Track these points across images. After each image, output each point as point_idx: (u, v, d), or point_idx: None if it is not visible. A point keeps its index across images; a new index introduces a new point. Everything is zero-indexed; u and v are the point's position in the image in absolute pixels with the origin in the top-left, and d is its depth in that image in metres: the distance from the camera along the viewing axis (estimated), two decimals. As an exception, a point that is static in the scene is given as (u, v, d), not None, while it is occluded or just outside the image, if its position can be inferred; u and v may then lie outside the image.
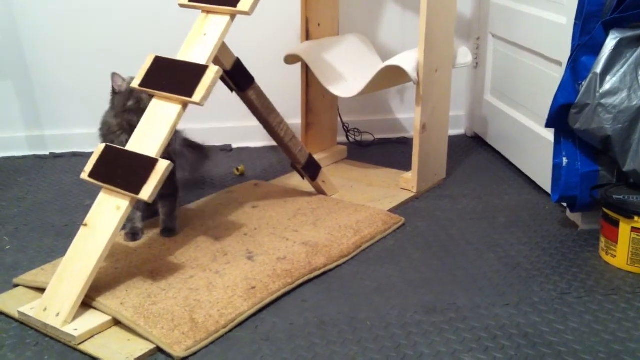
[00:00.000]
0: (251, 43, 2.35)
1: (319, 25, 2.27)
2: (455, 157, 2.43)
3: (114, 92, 1.75)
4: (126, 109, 1.72)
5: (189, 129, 2.05)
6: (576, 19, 1.76)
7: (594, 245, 1.78)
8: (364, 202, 2.03)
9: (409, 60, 2.01)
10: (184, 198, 2.02)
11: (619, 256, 1.67)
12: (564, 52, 1.87)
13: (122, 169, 1.48)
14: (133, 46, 2.37)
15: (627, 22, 1.69)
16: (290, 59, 2.19)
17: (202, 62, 1.54)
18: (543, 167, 2.07)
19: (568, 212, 1.94)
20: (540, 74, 2.14)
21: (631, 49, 1.70)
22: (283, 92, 2.28)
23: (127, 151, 1.51)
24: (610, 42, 1.69)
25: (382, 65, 2.04)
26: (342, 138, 2.61)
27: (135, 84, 1.60)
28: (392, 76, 2.08)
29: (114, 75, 1.72)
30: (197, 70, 1.52)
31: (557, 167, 1.82)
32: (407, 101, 2.70)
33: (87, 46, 2.43)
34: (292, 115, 2.20)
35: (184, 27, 1.67)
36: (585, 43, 1.72)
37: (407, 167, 2.16)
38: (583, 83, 1.72)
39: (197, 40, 1.58)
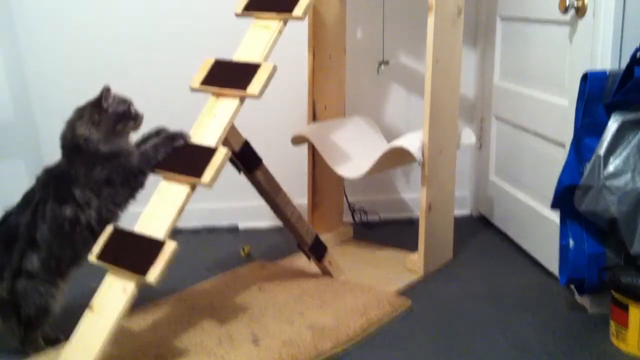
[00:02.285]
0: (259, 124, 2.39)
1: (325, 107, 2.31)
2: (462, 237, 2.42)
3: (100, 109, 1.61)
4: (117, 131, 1.62)
5: (195, 209, 2.06)
6: (578, 101, 1.79)
7: (604, 329, 1.74)
8: (371, 284, 2.02)
9: (413, 141, 2.04)
10: (191, 279, 2.01)
11: (629, 341, 1.63)
12: (567, 134, 1.90)
13: (129, 251, 1.48)
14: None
15: (628, 104, 1.71)
16: (297, 140, 2.22)
17: (212, 144, 1.57)
18: (550, 248, 2.06)
19: (577, 295, 1.92)
20: (544, 155, 2.16)
21: (633, 131, 1.72)
22: (290, 172, 2.30)
23: (134, 233, 1.51)
24: (613, 125, 1.71)
25: (387, 146, 2.07)
26: (348, 218, 2.61)
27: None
28: (397, 157, 2.10)
29: (107, 90, 1.62)
30: (207, 152, 1.54)
31: (564, 248, 1.82)
32: (412, 181, 2.72)
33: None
34: (298, 195, 2.22)
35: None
36: (587, 125, 1.75)
37: (413, 247, 2.16)
38: (587, 165, 1.73)
39: (208, 123, 1.61)
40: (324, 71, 2.27)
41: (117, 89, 1.63)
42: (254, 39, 1.70)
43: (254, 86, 1.59)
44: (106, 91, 1.62)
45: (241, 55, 1.70)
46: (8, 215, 1.64)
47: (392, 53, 2.33)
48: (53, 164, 1.65)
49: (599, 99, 1.74)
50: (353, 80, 2.47)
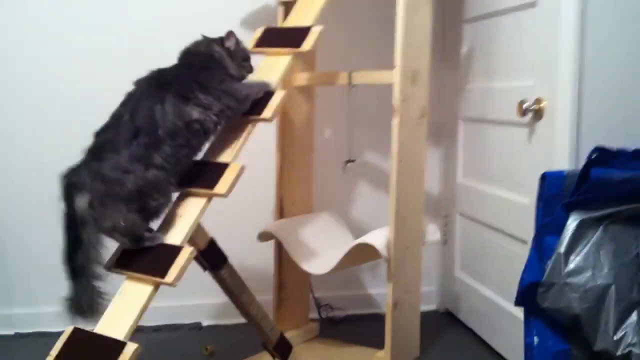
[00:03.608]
0: (225, 221, 2.39)
1: (293, 203, 2.34)
2: (429, 333, 2.41)
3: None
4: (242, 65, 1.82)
5: (158, 307, 2.02)
6: (538, 200, 1.84)
7: None
8: (337, 383, 1.98)
9: (380, 238, 2.06)
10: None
11: None
12: (528, 231, 1.93)
13: (89, 354, 1.44)
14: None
15: (586, 204, 1.76)
16: (264, 237, 2.22)
17: (177, 242, 1.57)
18: (516, 345, 2.05)
19: (544, 393, 1.90)
20: (507, 251, 2.19)
21: (592, 230, 1.76)
22: (256, 268, 2.29)
23: (95, 334, 1.48)
24: (572, 224, 1.75)
25: (354, 242, 2.08)
26: (314, 314, 2.59)
27: (108, 265, 1.61)
28: (363, 253, 2.11)
29: (230, 32, 1.80)
30: (172, 251, 1.53)
31: (528, 346, 1.81)
32: (379, 276, 2.72)
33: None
34: (264, 291, 2.20)
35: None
36: (548, 224, 1.79)
37: (380, 344, 2.14)
38: (549, 262, 1.76)
39: (174, 222, 1.62)
40: (291, 168, 2.31)
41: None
42: (224, 139, 1.74)
43: (222, 186, 1.61)
44: (229, 33, 1.81)
45: (210, 154, 1.73)
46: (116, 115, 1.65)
47: (358, 152, 2.39)
48: (156, 72, 1.72)
49: (558, 199, 1.79)
50: (320, 178, 2.51)
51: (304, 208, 2.39)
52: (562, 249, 1.74)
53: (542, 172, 1.82)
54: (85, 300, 1.55)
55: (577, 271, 1.72)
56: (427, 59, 2.12)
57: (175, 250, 1.53)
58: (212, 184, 1.63)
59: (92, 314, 1.55)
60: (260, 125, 1.77)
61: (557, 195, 1.80)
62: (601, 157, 1.76)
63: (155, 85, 1.66)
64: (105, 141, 1.59)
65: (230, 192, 1.63)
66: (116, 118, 1.63)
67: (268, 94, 1.77)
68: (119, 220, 1.55)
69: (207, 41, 1.82)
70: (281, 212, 2.30)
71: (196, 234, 1.66)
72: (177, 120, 1.62)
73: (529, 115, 1.99)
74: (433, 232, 2.28)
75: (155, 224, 1.66)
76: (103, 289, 1.57)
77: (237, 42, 1.83)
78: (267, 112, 1.72)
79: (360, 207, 2.72)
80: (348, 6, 2.53)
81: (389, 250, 2.04)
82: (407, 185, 2.08)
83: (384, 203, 2.64)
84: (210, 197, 1.64)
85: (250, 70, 1.85)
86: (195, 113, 1.65)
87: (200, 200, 1.64)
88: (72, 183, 1.55)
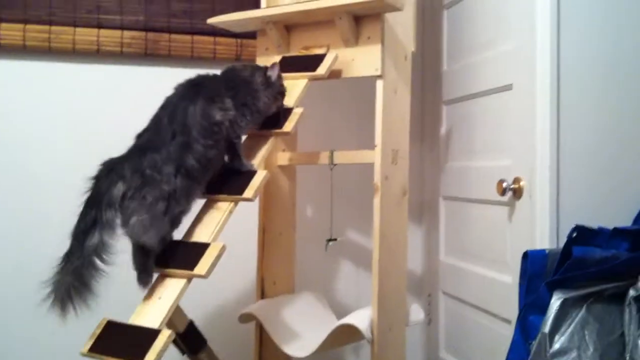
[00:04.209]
0: (205, 302, 2.36)
1: (274, 283, 2.31)
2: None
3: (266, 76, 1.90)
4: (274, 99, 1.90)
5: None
6: (520, 279, 1.83)
7: None
8: None
9: (362, 318, 2.03)
10: None
11: None
12: (512, 311, 1.92)
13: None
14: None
15: (569, 282, 1.76)
16: (245, 318, 2.18)
17: (155, 325, 1.53)
18: None
19: None
20: (491, 331, 2.17)
21: (576, 309, 1.75)
22: (236, 350, 2.24)
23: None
24: (555, 303, 1.74)
25: (336, 323, 2.05)
26: (297, 398, 2.51)
27: (85, 349, 1.56)
28: (346, 334, 2.07)
29: (275, 64, 1.87)
30: (149, 335, 1.50)
31: None
32: (362, 358, 2.67)
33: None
34: (245, 375, 2.15)
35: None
36: (531, 303, 1.78)
37: None
38: (533, 343, 1.74)
39: (152, 304, 1.59)
40: (273, 248, 2.30)
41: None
42: (204, 219, 1.74)
43: (202, 266, 1.59)
44: (274, 64, 1.88)
45: (191, 234, 1.72)
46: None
47: (340, 231, 2.39)
48: (194, 78, 1.82)
49: (541, 277, 1.79)
50: (302, 257, 2.49)
51: (285, 288, 2.36)
52: (546, 328, 1.72)
53: (523, 250, 1.83)
54: (79, 280, 1.55)
55: (562, 351, 1.70)
56: (407, 139, 2.16)
57: (153, 334, 1.50)
58: (192, 264, 1.61)
59: (80, 294, 1.56)
60: (241, 204, 1.77)
61: (539, 274, 1.80)
62: (581, 235, 1.77)
63: (191, 88, 1.77)
64: (148, 140, 1.68)
65: (211, 272, 1.61)
66: (156, 121, 1.72)
67: (249, 173, 1.78)
68: (142, 213, 1.59)
69: (252, 68, 1.91)
70: (262, 293, 2.27)
71: (175, 316, 1.63)
72: (203, 120, 1.71)
73: (509, 194, 2.01)
74: (417, 312, 2.25)
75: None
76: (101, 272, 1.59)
77: (279, 76, 1.90)
78: (249, 192, 1.73)
79: (342, 286, 2.70)
80: (329, 88, 2.59)
81: (372, 332, 2.01)
82: (389, 263, 2.07)
83: (366, 282, 2.62)
84: (190, 278, 1.62)
85: (281, 106, 1.91)
86: (218, 115, 1.74)
87: (179, 282, 1.61)
88: (113, 170, 1.61)
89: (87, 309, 1.57)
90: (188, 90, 1.76)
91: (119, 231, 1.60)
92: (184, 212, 1.71)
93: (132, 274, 1.68)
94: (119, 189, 1.58)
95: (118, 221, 1.59)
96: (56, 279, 1.56)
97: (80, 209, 1.60)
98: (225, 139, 1.78)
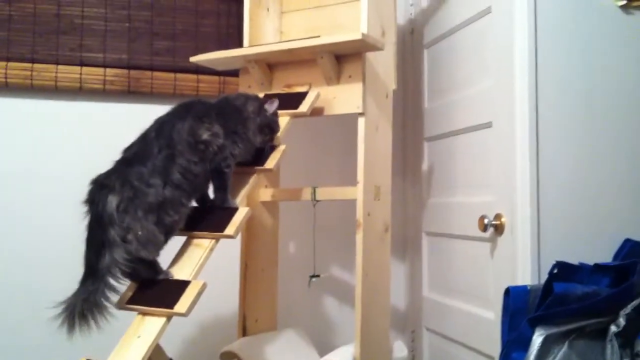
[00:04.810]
0: (186, 340, 2.33)
1: (256, 320, 2.29)
2: None
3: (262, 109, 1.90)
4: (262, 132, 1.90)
5: None
6: (503, 315, 1.83)
7: None
8: None
9: (345, 355, 2.01)
10: None
11: None
12: (495, 347, 1.91)
13: None
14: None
15: (551, 318, 1.76)
16: (226, 356, 2.15)
17: (134, 365, 1.51)
18: None
19: None
20: (475, 368, 2.16)
21: (558, 345, 1.75)
22: (218, 390, 2.20)
23: None
24: (538, 339, 1.74)
25: (319, 361, 2.04)
26: None
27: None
28: (329, 372, 2.06)
29: (274, 101, 1.90)
30: (128, 374, 1.48)
31: None
32: (346, 396, 2.63)
33: None
34: (226, 416, 2.11)
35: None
36: (514, 339, 1.78)
37: None
38: (517, 380, 1.74)
39: (131, 343, 1.56)
40: (255, 284, 2.28)
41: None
42: (185, 256, 1.72)
43: (182, 304, 1.57)
44: (274, 100, 1.91)
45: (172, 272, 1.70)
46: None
47: (323, 267, 2.38)
48: (187, 101, 1.86)
49: (523, 313, 1.79)
50: (285, 293, 2.47)
51: (267, 325, 2.34)
52: (529, 365, 1.72)
53: (505, 286, 1.83)
54: (92, 301, 1.55)
55: (545, 388, 1.70)
56: (389, 175, 2.17)
57: (132, 373, 1.47)
58: (172, 302, 1.59)
59: (94, 315, 1.56)
60: (223, 240, 1.76)
61: (521, 310, 1.80)
62: (562, 271, 1.78)
63: (182, 108, 1.80)
64: (134, 153, 1.69)
65: (191, 311, 1.59)
66: (144, 135, 1.74)
67: (231, 210, 1.78)
68: (137, 230, 1.59)
69: (246, 97, 1.93)
70: (244, 330, 2.25)
71: (155, 355, 1.60)
72: (189, 136, 1.73)
73: (490, 231, 2.03)
74: (400, 349, 2.24)
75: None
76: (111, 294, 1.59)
77: (275, 113, 1.93)
78: (231, 229, 1.72)
79: (325, 323, 2.68)
80: (311, 125, 2.60)
81: (356, 369, 1.99)
82: (372, 300, 2.06)
83: (349, 318, 2.61)
84: (170, 317, 1.60)
85: (271, 140, 1.93)
86: (205, 135, 1.75)
87: (159, 320, 1.59)
88: (104, 184, 1.62)
89: (104, 326, 1.57)
90: (179, 110, 1.80)
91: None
92: (177, 222, 1.71)
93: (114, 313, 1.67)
94: (112, 202, 1.59)
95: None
96: (70, 302, 1.56)
97: (85, 234, 1.61)
98: (214, 165, 1.79)
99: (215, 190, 1.83)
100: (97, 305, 1.55)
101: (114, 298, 1.60)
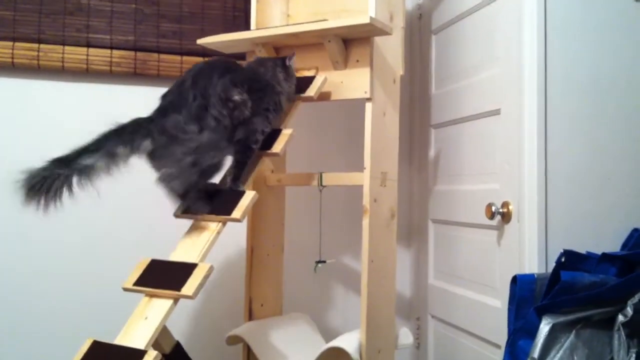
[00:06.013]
0: (193, 323, 2.34)
1: (262, 305, 2.29)
2: None
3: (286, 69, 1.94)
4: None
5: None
6: (509, 303, 1.83)
7: None
8: None
9: (351, 341, 2.01)
10: None
11: None
12: (501, 335, 1.91)
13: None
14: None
15: (558, 307, 1.76)
16: (232, 340, 2.16)
17: (141, 346, 1.51)
18: None
19: None
20: (480, 356, 2.16)
21: (565, 334, 1.75)
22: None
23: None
24: (544, 328, 1.74)
25: (325, 346, 2.03)
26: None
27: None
28: (335, 357, 2.05)
29: (293, 55, 1.95)
30: (135, 356, 1.47)
31: None
32: (350, 382, 2.64)
33: None
34: (231, 399, 2.12)
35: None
36: (520, 327, 1.77)
37: None
38: (523, 367, 1.73)
39: (138, 324, 1.56)
40: (261, 269, 2.28)
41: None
42: (192, 239, 1.72)
43: (189, 287, 1.57)
44: (293, 55, 1.96)
45: (178, 255, 1.70)
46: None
47: (329, 252, 2.37)
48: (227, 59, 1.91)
49: (530, 302, 1.79)
50: (290, 279, 2.47)
51: (273, 310, 2.34)
52: (535, 353, 1.72)
53: (512, 274, 1.82)
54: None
55: (551, 377, 1.70)
56: (396, 161, 2.16)
57: (139, 355, 1.47)
58: (179, 284, 1.59)
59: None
60: (229, 225, 1.76)
61: (528, 298, 1.80)
62: (570, 260, 1.78)
63: (221, 66, 1.84)
64: (170, 102, 1.75)
65: (198, 293, 1.59)
66: (180, 82, 1.79)
67: (238, 193, 1.77)
68: (172, 169, 1.68)
69: (273, 66, 1.94)
70: (250, 314, 2.25)
71: (161, 337, 1.60)
72: (222, 92, 1.78)
73: (497, 218, 2.02)
74: (406, 336, 2.23)
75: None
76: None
77: (290, 58, 1.97)
78: (237, 213, 1.72)
79: (331, 308, 2.68)
80: (318, 110, 2.59)
81: (361, 355, 1.99)
82: (378, 286, 2.06)
83: (355, 305, 2.61)
84: (177, 299, 1.60)
85: (293, 90, 1.99)
86: (236, 96, 1.80)
87: (166, 302, 1.59)
88: (142, 127, 1.69)
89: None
90: (218, 66, 1.84)
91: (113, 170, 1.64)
92: (215, 165, 1.79)
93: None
94: (146, 146, 1.67)
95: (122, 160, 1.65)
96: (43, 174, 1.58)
97: (97, 135, 1.66)
98: (242, 135, 1.82)
99: (234, 165, 1.85)
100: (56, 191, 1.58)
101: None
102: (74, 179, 1.59)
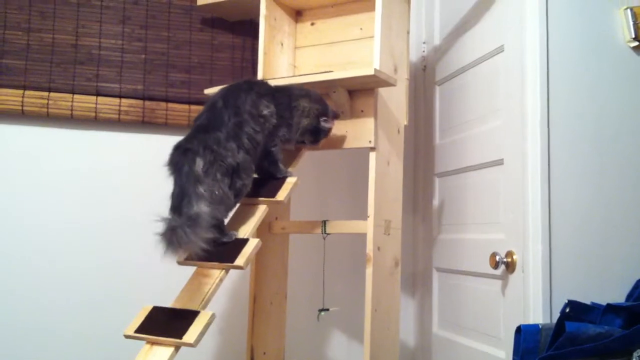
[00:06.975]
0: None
1: (264, 353, 2.27)
2: None
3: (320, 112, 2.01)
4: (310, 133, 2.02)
5: None
6: (514, 354, 1.81)
7: None
8: None
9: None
10: None
11: None
12: (506, 387, 1.89)
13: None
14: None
15: (563, 358, 1.74)
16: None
17: (141, 395, 1.50)
18: None
19: None
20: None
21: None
22: None
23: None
24: (549, 379, 1.72)
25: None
26: None
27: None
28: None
29: (336, 113, 2.02)
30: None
31: None
32: None
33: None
34: None
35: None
36: (525, 379, 1.75)
37: None
38: (528, 420, 1.71)
39: (138, 371, 1.56)
40: (263, 317, 2.27)
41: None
42: (195, 286, 1.72)
43: (190, 334, 1.57)
44: (336, 115, 2.03)
45: (180, 301, 1.70)
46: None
47: (332, 301, 2.37)
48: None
49: (535, 353, 1.77)
50: (293, 326, 2.46)
51: (275, 358, 2.31)
52: (539, 406, 1.70)
53: (517, 324, 1.81)
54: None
55: None
56: (400, 210, 2.17)
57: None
58: (180, 332, 1.58)
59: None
60: (232, 272, 1.76)
61: (533, 349, 1.78)
62: (574, 310, 1.76)
63: (245, 83, 1.93)
64: (208, 121, 1.82)
65: (199, 341, 1.58)
66: (212, 105, 1.87)
67: (241, 242, 1.78)
68: (214, 189, 1.72)
69: (307, 93, 2.01)
70: (252, 363, 2.23)
71: (162, 386, 1.59)
72: (252, 108, 1.86)
73: (502, 268, 2.01)
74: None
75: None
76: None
77: (328, 129, 2.03)
78: (240, 260, 1.72)
79: (334, 357, 2.65)
80: (322, 159, 2.61)
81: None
82: (381, 335, 2.04)
83: (358, 354, 2.58)
84: (178, 347, 1.59)
85: (310, 142, 2.05)
86: (265, 110, 1.89)
87: (167, 350, 1.58)
88: (187, 148, 1.75)
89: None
90: (242, 84, 1.93)
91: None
92: (246, 186, 1.84)
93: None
94: (200, 163, 1.72)
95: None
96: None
97: (174, 188, 1.73)
98: (264, 145, 1.91)
99: (269, 166, 1.96)
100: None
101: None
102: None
